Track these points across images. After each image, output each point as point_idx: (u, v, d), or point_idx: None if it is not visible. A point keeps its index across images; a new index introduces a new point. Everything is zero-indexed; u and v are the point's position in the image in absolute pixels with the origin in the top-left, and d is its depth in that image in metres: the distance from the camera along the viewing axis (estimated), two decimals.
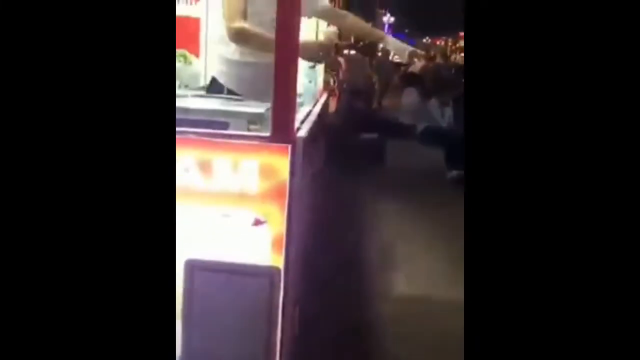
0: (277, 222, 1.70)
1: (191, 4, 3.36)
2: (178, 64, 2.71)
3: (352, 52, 8.98)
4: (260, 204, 1.70)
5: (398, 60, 10.61)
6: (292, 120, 1.77)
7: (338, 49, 5.33)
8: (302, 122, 2.30)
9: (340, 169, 5.31)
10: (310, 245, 2.56)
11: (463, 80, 5.46)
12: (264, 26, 2.23)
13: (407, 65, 7.84)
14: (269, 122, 1.74)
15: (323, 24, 3.32)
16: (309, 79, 3.11)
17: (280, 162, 1.68)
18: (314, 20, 3.22)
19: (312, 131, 2.31)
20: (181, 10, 3.19)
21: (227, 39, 2.38)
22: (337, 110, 7.10)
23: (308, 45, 2.37)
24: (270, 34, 1.80)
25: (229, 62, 2.52)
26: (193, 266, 1.72)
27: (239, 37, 2.30)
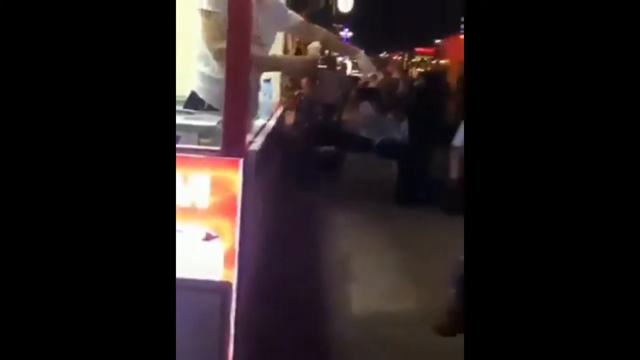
0: (228, 236, 1.68)
1: None
2: None
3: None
4: (212, 218, 1.68)
5: (356, 74, 10.74)
6: (244, 134, 1.76)
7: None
8: (256, 135, 2.29)
9: (297, 182, 5.31)
10: (265, 259, 2.54)
11: (418, 95, 5.55)
12: None
13: (364, 79, 7.94)
14: (221, 136, 1.73)
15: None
16: (264, 93, 3.11)
17: (232, 176, 1.67)
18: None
19: (266, 145, 2.31)
20: None
21: (207, 58, 2.43)
22: (295, 123, 7.11)
23: (291, 62, 2.38)
24: (254, 53, 1.82)
25: (210, 79, 2.55)
26: None
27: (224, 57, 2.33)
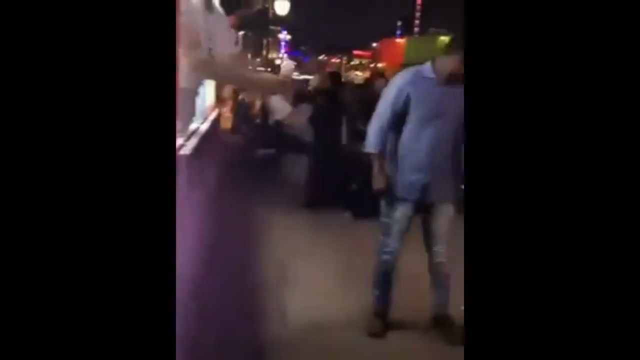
0: None
1: None
2: None
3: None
4: None
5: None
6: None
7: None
8: (188, 138, 2.25)
9: (233, 184, 5.26)
10: (201, 264, 2.49)
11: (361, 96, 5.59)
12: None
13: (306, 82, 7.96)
14: None
15: None
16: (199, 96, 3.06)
17: None
18: None
19: (199, 148, 2.27)
20: None
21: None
22: (233, 126, 7.04)
23: (268, 80, 2.40)
24: (228, 64, 1.81)
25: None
26: None
27: (200, 67, 2.29)
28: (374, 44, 32.04)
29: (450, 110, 2.69)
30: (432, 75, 2.73)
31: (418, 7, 38.46)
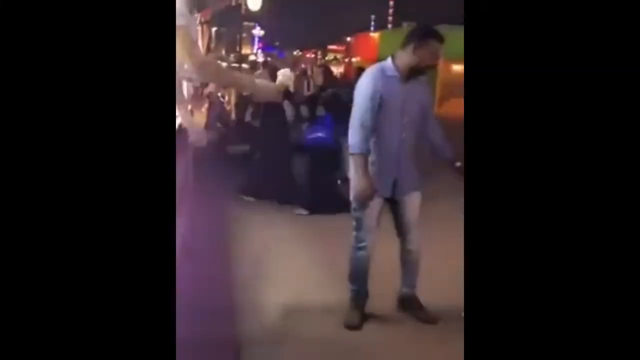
0: None
1: None
2: None
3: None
4: None
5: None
6: None
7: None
8: None
9: (207, 180, 5.22)
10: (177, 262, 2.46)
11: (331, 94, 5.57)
12: None
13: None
14: None
15: None
16: None
17: None
18: None
19: None
20: None
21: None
22: (207, 123, 6.98)
23: (266, 87, 2.40)
24: (229, 67, 1.82)
25: None
26: None
27: (204, 68, 2.27)
28: (348, 39, 32.09)
29: (413, 105, 2.81)
30: (395, 73, 2.78)
31: (391, 2, 38.62)
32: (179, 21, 2.05)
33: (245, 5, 17.77)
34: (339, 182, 5.48)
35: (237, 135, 7.14)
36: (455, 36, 5.96)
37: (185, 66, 2.44)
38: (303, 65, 12.46)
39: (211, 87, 7.02)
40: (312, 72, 7.19)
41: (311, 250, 4.03)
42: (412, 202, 2.94)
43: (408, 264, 3.02)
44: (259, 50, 34.11)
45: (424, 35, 2.78)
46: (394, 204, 2.94)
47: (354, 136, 2.76)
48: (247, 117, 6.74)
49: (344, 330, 2.86)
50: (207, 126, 6.84)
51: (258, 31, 37.47)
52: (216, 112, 7.05)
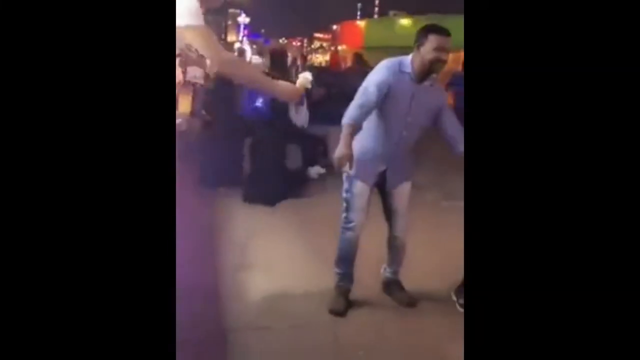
0: None
1: None
2: None
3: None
4: None
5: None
6: None
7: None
8: None
9: (193, 168, 5.21)
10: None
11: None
12: None
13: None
14: None
15: None
16: None
17: None
18: None
19: None
20: None
21: None
22: (192, 110, 6.95)
23: (286, 89, 2.39)
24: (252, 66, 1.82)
25: None
26: None
27: (227, 67, 2.25)
28: (334, 27, 31.96)
29: (421, 107, 2.81)
30: (409, 70, 2.77)
31: None
32: (197, 21, 2.06)
33: None
34: (313, 169, 5.39)
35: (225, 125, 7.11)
36: (446, 25, 5.92)
37: (197, 71, 2.41)
38: (290, 56, 12.38)
39: (197, 75, 6.96)
40: (300, 62, 7.15)
41: (296, 238, 4.05)
42: (402, 191, 2.99)
43: (393, 249, 3.10)
44: (245, 38, 33.87)
45: (425, 31, 2.76)
46: (383, 191, 3.00)
47: (350, 110, 2.76)
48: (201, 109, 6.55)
49: (328, 316, 2.89)
50: (193, 114, 6.81)
51: (243, 18, 37.17)
52: (201, 100, 7.01)
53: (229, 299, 2.99)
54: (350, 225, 2.94)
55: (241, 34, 36.33)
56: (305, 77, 2.63)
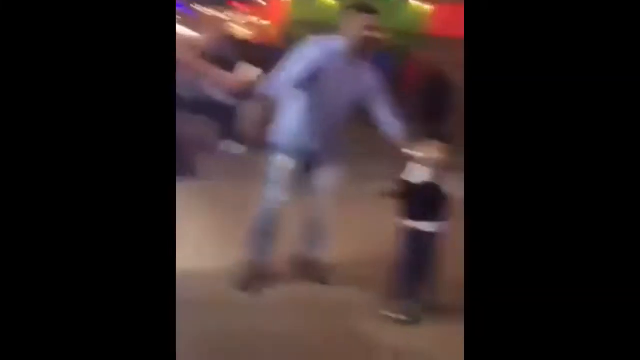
0: None
1: None
2: None
3: None
4: None
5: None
6: None
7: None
8: None
9: None
10: None
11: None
12: None
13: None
14: None
15: None
16: None
17: None
18: None
19: None
20: None
21: None
22: None
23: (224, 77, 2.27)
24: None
25: None
26: None
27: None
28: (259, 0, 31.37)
29: (353, 87, 2.79)
30: (340, 49, 2.74)
31: None
32: None
33: None
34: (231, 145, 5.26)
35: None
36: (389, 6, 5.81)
37: None
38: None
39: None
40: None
41: (209, 217, 3.99)
42: (328, 173, 2.98)
43: (313, 229, 3.10)
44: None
45: (352, 9, 2.74)
46: (309, 172, 2.98)
47: (271, 79, 2.71)
48: None
49: (240, 293, 2.89)
50: None
51: None
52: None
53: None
54: (272, 200, 2.92)
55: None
56: (245, 70, 2.52)
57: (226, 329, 2.57)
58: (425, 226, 2.69)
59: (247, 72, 2.60)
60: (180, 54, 2.22)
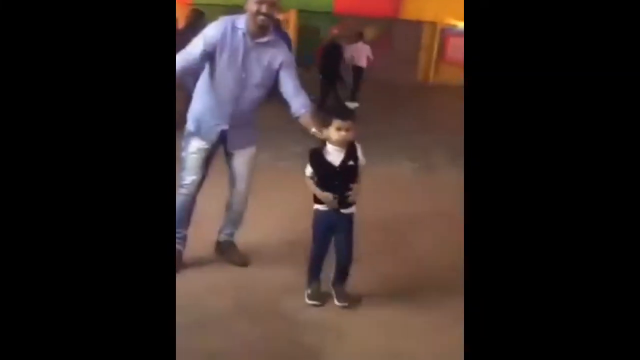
0: None
1: None
2: None
3: None
4: None
5: None
6: None
7: None
8: None
9: None
10: None
11: None
12: None
13: None
14: None
15: None
16: None
17: None
18: None
19: None
20: None
21: None
22: None
23: None
24: None
25: None
26: None
27: None
28: None
29: (259, 64, 2.78)
30: (242, 26, 2.74)
31: None
32: None
33: None
34: None
35: None
36: None
37: None
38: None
39: None
40: None
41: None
42: (244, 156, 2.98)
43: (231, 212, 3.11)
44: None
45: None
46: (228, 155, 2.98)
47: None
48: None
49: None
50: None
51: None
52: None
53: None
54: (184, 183, 2.89)
55: None
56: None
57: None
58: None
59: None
60: None
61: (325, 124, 2.60)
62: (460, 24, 12.19)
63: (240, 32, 2.74)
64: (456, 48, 12.29)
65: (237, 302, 2.74)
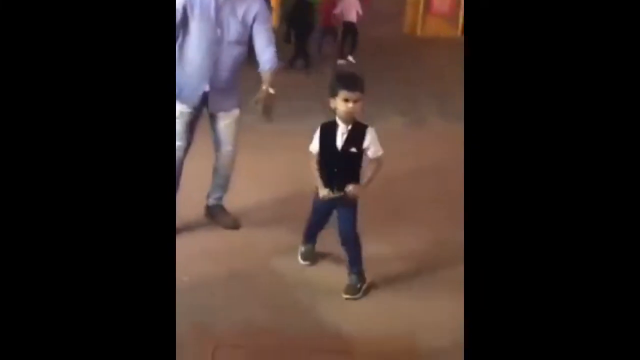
0: None
1: None
2: None
3: None
4: None
5: None
6: None
7: None
8: None
9: None
10: None
11: None
12: None
13: None
14: None
15: None
16: None
17: None
18: None
19: None
20: None
21: None
22: None
23: None
24: None
25: None
26: None
27: None
28: None
29: (230, 20, 2.72)
30: None
31: None
32: None
33: None
34: None
35: None
36: None
37: None
38: None
39: None
40: None
41: None
42: (228, 119, 2.93)
43: (217, 177, 3.08)
44: None
45: None
46: (212, 118, 2.94)
47: None
48: None
49: None
50: None
51: None
52: None
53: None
54: None
55: None
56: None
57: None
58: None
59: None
60: None
61: (333, 93, 2.42)
62: None
63: None
64: (442, 0, 12.17)
65: (231, 265, 2.72)
